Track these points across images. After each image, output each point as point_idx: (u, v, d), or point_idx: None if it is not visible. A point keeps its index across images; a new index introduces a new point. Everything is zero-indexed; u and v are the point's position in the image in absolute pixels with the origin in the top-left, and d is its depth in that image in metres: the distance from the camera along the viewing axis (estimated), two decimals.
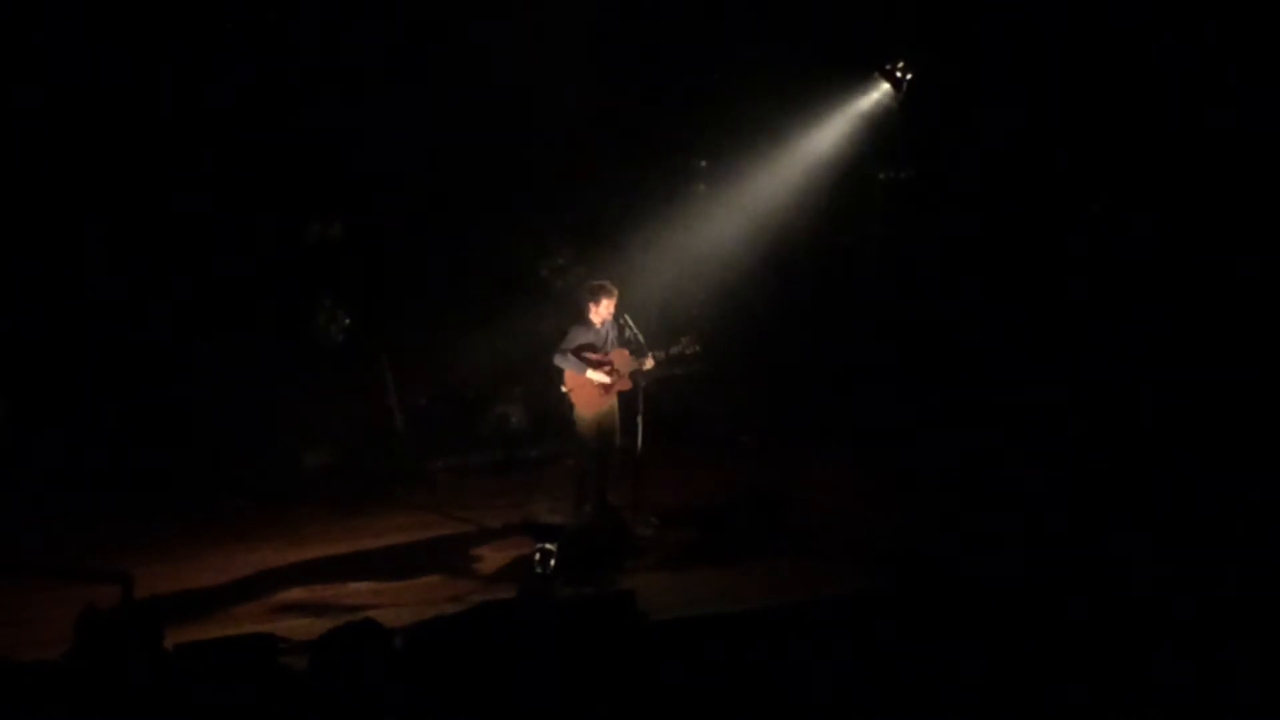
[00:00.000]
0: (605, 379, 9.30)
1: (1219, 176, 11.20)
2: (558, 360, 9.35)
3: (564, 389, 9.43)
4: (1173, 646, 6.05)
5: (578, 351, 9.31)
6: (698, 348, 9.51)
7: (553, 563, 8.02)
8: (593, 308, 9.37)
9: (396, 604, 7.82)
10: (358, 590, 8.34)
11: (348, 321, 11.44)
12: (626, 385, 9.40)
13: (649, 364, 9.34)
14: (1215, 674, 5.81)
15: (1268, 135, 10.77)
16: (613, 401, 9.45)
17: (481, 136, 11.48)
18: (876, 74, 12.35)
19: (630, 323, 9.44)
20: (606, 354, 9.37)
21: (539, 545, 8.11)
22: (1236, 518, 8.47)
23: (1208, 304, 11.04)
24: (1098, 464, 10.11)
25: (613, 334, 9.44)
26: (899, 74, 12.18)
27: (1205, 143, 11.19)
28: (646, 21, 11.94)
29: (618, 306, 9.42)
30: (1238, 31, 10.75)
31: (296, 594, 8.30)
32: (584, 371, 9.27)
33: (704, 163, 12.94)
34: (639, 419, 9.42)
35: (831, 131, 12.65)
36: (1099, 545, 8.13)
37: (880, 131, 12.57)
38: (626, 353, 9.38)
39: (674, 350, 9.46)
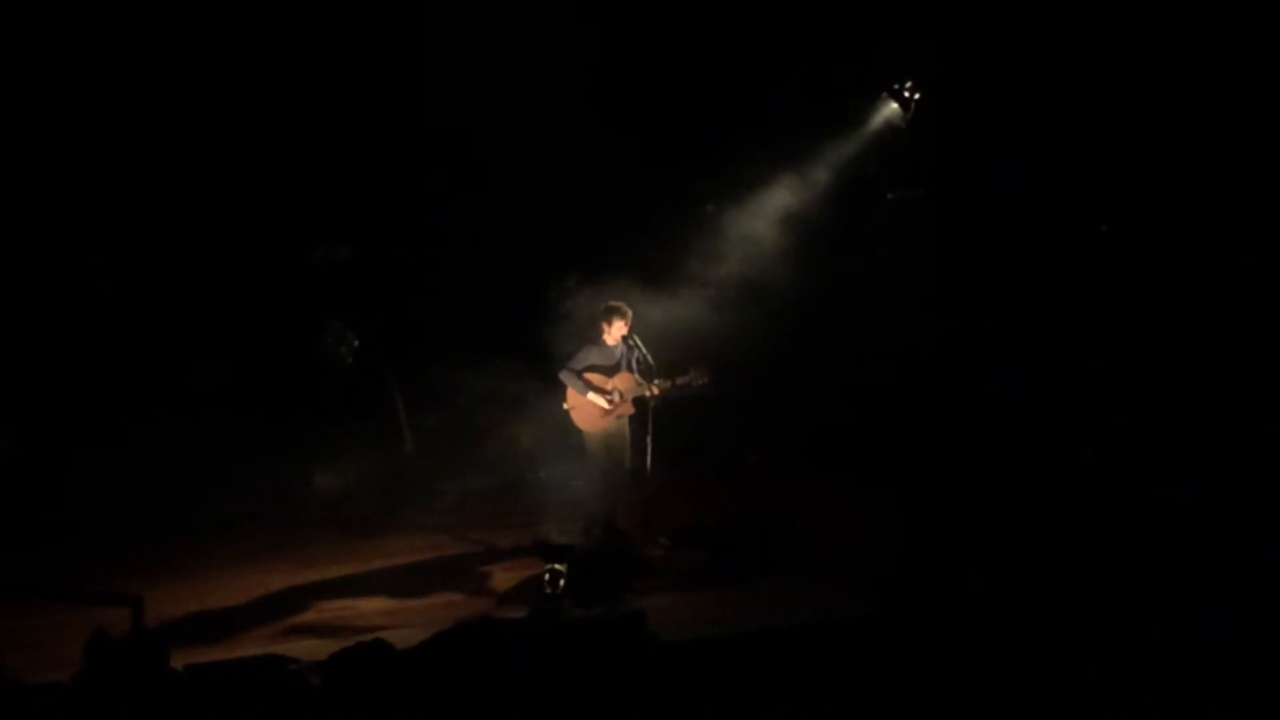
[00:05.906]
0: (605, 404, 9.30)
1: (1231, 196, 11.19)
2: (562, 376, 9.39)
3: (565, 405, 9.46)
4: (1175, 672, 6.02)
5: (583, 371, 9.33)
6: (706, 380, 9.50)
7: (562, 583, 8.03)
8: (605, 328, 9.39)
9: (407, 625, 7.79)
10: (368, 611, 8.34)
11: (357, 343, 11.46)
12: (629, 410, 9.39)
13: (655, 391, 9.35)
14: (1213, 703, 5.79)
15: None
16: (621, 423, 9.44)
17: (489, 158, 11.51)
18: (885, 94, 12.38)
19: (640, 345, 9.44)
20: (613, 376, 9.37)
21: (549, 566, 8.12)
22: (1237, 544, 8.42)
23: (1218, 329, 11.02)
24: (1102, 488, 10.08)
25: (625, 356, 9.44)
26: (907, 94, 12.20)
27: (1216, 161, 11.19)
28: (653, 44, 11.98)
29: (630, 328, 9.44)
30: (1245, 52, 10.78)
31: (307, 615, 8.30)
32: (585, 393, 9.28)
33: (712, 184, 12.96)
34: (648, 440, 9.44)
35: (840, 152, 12.68)
36: (1101, 565, 8.09)
37: (889, 151, 12.59)
38: (632, 377, 9.38)
39: (681, 380, 9.45)
